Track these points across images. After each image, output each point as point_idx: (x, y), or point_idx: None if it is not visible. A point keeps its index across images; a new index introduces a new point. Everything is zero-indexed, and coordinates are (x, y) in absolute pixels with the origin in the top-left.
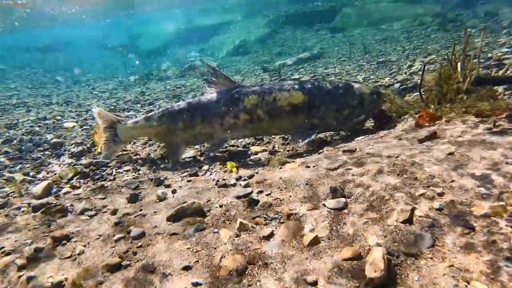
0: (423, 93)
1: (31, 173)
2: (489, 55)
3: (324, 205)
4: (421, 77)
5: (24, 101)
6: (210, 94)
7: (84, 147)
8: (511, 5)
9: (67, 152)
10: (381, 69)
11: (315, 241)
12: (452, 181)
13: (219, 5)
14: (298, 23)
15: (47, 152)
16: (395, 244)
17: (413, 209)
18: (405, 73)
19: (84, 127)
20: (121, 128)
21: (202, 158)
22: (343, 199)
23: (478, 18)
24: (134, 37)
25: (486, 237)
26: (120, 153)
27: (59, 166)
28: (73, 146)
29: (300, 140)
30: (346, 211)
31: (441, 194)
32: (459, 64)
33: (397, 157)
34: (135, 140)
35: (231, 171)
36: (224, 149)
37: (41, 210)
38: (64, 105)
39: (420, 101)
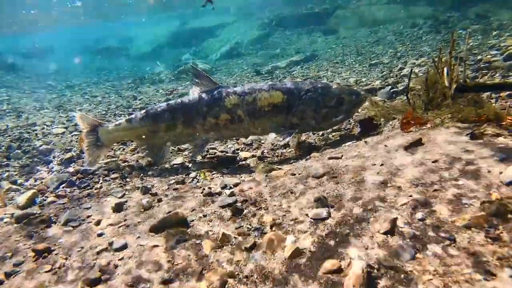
0: (410, 97)
1: (18, 181)
2: (479, 57)
3: (307, 215)
4: (408, 82)
5: (15, 106)
6: (192, 94)
7: (73, 153)
8: (501, 7)
9: (56, 159)
10: (373, 72)
11: (297, 253)
12: (435, 190)
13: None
14: (291, 26)
15: (35, 159)
16: (376, 256)
17: (395, 220)
18: (396, 75)
19: (74, 133)
20: (102, 131)
21: (190, 165)
22: (326, 209)
23: (469, 20)
24: (127, 40)
25: (467, 249)
26: (108, 160)
27: (48, 173)
28: (62, 152)
29: (282, 138)
30: (329, 221)
31: (424, 204)
32: (445, 68)
33: (381, 165)
34: (124, 147)
35: (206, 178)
36: (213, 155)
37: (24, 221)
38: (55, 110)
39: (408, 106)
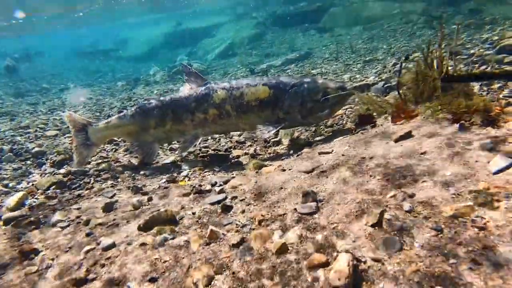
0: (402, 91)
1: (10, 184)
2: (472, 51)
3: (295, 209)
4: (398, 76)
5: (9, 110)
6: (182, 91)
7: (66, 155)
8: (495, 2)
9: (48, 161)
10: (367, 68)
11: (283, 248)
12: (423, 181)
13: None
14: (286, 24)
15: (28, 162)
16: (363, 248)
17: (382, 212)
18: (390, 71)
19: (67, 135)
20: (92, 130)
21: (182, 164)
22: (314, 204)
23: (462, 15)
24: (122, 42)
25: (453, 239)
26: (100, 161)
27: (41, 175)
28: (54, 154)
29: (266, 132)
30: (316, 215)
31: (411, 196)
32: (435, 61)
33: (371, 158)
34: (116, 147)
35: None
36: (205, 154)
37: (12, 223)
38: (48, 113)
39: (399, 99)
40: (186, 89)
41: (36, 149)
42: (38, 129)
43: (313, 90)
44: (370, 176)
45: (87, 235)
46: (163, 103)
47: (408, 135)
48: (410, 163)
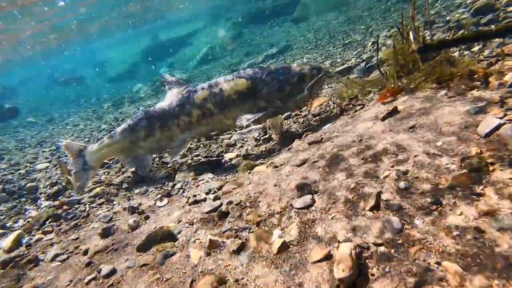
0: (383, 68)
1: (7, 224)
2: (448, 18)
3: (292, 205)
4: (377, 53)
5: None
6: (165, 99)
7: (59, 186)
8: None
9: (43, 194)
10: (348, 51)
11: (284, 247)
12: (416, 156)
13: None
14: (262, 20)
15: (22, 199)
16: (364, 235)
17: (379, 194)
18: (370, 50)
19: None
20: (88, 153)
21: (176, 176)
22: (310, 196)
23: None
24: (101, 64)
25: (454, 210)
26: (94, 186)
27: (37, 210)
28: (48, 187)
29: (244, 120)
30: (313, 208)
31: (405, 173)
32: (411, 33)
33: (360, 141)
34: (108, 170)
35: None
36: (197, 162)
37: (10, 265)
38: (38, 146)
39: (381, 77)
40: (168, 97)
41: (29, 184)
42: (27, 164)
43: (288, 74)
44: (362, 159)
45: (87, 264)
46: (149, 114)
47: (394, 112)
48: (399, 139)
